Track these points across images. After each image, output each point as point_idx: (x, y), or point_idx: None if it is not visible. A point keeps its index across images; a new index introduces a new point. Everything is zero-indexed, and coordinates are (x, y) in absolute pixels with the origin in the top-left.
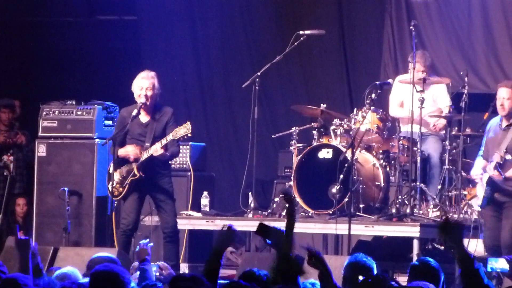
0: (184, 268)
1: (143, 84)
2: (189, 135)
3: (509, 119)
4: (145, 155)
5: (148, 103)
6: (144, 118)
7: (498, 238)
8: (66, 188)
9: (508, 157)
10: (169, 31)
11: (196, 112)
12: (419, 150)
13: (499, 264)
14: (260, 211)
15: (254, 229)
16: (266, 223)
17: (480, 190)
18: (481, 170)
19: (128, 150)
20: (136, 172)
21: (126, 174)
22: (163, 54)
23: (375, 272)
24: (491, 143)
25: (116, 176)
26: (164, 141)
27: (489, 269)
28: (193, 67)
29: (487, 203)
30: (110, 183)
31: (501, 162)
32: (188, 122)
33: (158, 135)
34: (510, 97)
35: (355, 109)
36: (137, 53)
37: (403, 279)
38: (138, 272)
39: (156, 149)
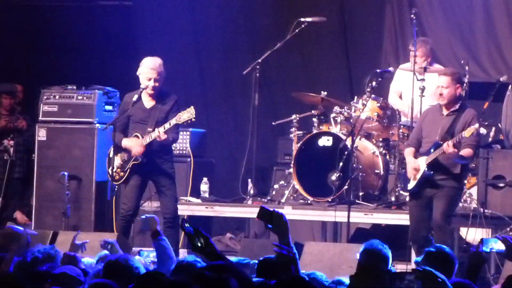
0: (183, 253)
1: (151, 75)
2: (193, 119)
3: (450, 107)
4: (147, 139)
5: (152, 92)
6: (148, 103)
7: (422, 229)
8: (65, 173)
9: (482, 130)
10: (168, 17)
11: (196, 98)
12: None
13: (497, 245)
14: (259, 198)
15: (254, 215)
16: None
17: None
18: (413, 159)
19: (132, 145)
20: (138, 157)
21: (128, 158)
22: (162, 40)
23: (391, 260)
24: (431, 129)
25: (117, 160)
26: (167, 126)
27: (487, 250)
28: (192, 53)
29: (422, 187)
30: (110, 167)
31: (472, 136)
32: (192, 107)
33: (160, 121)
34: (449, 86)
35: (356, 97)
36: (137, 38)
37: (401, 267)
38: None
39: (159, 134)
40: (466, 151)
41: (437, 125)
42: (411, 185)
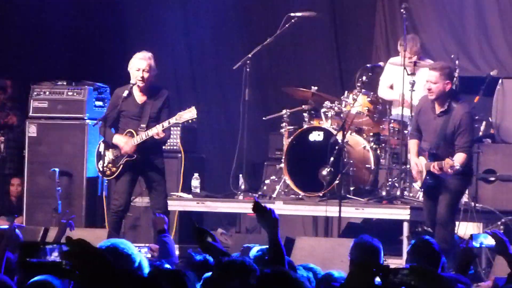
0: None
1: (140, 65)
2: (194, 119)
3: (441, 104)
4: (143, 136)
5: (142, 84)
6: (140, 98)
7: (435, 222)
8: (56, 169)
9: (457, 165)
10: (158, 12)
11: (187, 93)
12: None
13: (487, 240)
14: (250, 193)
15: (245, 211)
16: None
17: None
18: (416, 159)
19: (123, 144)
20: (132, 154)
21: (121, 154)
22: (152, 35)
23: (382, 253)
24: (425, 126)
25: (109, 155)
26: (166, 124)
27: (477, 245)
28: (183, 48)
29: (427, 186)
30: (101, 162)
31: (450, 170)
32: (193, 107)
33: (153, 116)
34: (438, 81)
35: (346, 92)
36: (127, 34)
37: (393, 262)
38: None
39: (158, 133)
40: (458, 159)
41: (431, 127)
42: (418, 183)
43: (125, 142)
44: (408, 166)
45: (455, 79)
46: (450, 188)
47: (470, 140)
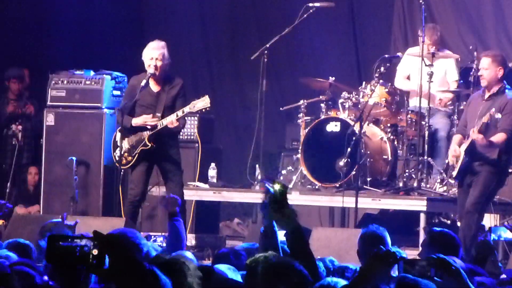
0: (191, 238)
1: (153, 54)
2: (208, 109)
3: (490, 90)
4: (158, 126)
5: (157, 73)
6: (154, 87)
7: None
8: (74, 158)
9: (498, 115)
10: (175, 2)
11: (204, 83)
12: (427, 125)
13: (506, 233)
14: (267, 183)
15: (261, 201)
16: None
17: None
18: (456, 146)
19: (145, 118)
20: (147, 142)
21: (136, 143)
22: (169, 25)
23: (388, 240)
24: (472, 114)
25: (125, 145)
26: (180, 113)
27: (496, 238)
28: (200, 38)
29: (463, 174)
30: (118, 151)
31: (489, 122)
32: (207, 96)
33: (168, 106)
34: (490, 67)
35: (364, 83)
36: (144, 24)
37: (409, 253)
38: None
39: (172, 121)
40: (497, 136)
41: (477, 111)
42: (454, 172)
43: (144, 117)
44: (425, 157)
45: (473, 70)
46: (481, 181)
47: None
